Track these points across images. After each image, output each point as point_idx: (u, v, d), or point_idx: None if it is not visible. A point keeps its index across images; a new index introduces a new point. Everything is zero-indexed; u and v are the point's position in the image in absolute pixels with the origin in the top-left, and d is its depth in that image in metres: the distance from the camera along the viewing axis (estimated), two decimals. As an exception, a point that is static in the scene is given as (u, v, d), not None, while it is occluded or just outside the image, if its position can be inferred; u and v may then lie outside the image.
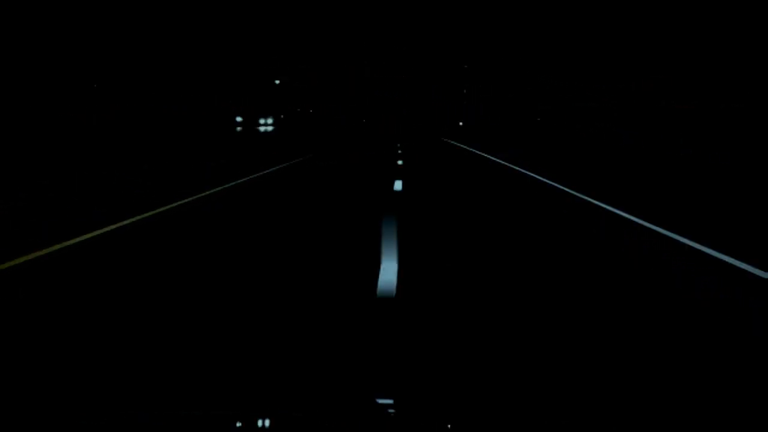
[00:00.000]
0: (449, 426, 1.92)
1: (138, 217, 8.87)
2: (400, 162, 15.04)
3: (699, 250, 6.84)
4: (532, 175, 14.24)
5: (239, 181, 14.22)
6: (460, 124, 73.89)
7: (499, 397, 3.25)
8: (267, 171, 15.80)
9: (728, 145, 24.77)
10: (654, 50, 38.73)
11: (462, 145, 29.36)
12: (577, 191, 11.71)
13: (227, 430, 1.86)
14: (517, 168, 10.28)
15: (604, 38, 43.88)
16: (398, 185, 13.35)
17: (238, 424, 1.90)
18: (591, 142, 33.83)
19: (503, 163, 10.68)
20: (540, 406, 3.20)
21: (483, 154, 21.65)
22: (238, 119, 68.62)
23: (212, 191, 12.43)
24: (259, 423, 1.96)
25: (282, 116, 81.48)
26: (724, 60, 33.12)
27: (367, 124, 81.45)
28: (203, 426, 1.90)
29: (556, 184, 12.68)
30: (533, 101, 57.07)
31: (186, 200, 10.92)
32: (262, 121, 71.07)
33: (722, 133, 28.36)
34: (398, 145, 17.99)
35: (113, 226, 8.10)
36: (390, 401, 3.03)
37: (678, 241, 7.34)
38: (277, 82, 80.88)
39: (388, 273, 5.78)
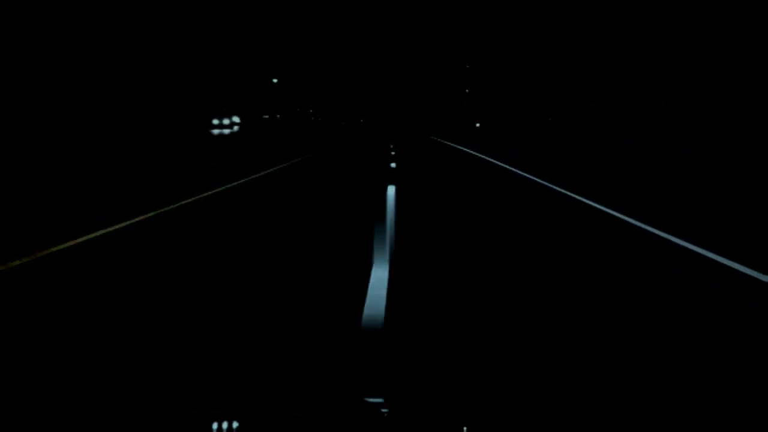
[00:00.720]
0: (444, 424, 1.92)
1: (138, 218, 8.88)
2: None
3: (697, 252, 6.84)
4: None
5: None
6: (477, 125, 67.61)
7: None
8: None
9: (728, 145, 24.77)
10: (654, 50, 38.70)
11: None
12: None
13: (227, 430, 1.86)
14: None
15: (604, 38, 43.86)
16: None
17: (238, 424, 1.90)
18: (593, 142, 33.79)
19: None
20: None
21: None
22: (235, 119, 68.09)
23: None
24: (259, 423, 1.96)
25: (278, 116, 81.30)
26: (724, 60, 33.09)
27: (366, 125, 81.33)
28: (203, 426, 1.90)
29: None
30: (534, 101, 56.93)
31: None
32: (216, 121, 59.65)
33: (722, 133, 28.35)
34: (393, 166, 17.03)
35: (114, 227, 8.11)
36: (385, 408, 3.04)
37: (676, 243, 7.34)
38: (275, 81, 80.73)
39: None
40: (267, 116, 79.09)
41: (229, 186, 13.29)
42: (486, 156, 24.31)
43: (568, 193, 12.05)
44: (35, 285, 5.40)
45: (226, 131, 52.04)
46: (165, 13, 49.09)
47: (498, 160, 21.62)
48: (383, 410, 2.80)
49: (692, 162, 19.90)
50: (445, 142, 40.00)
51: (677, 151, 24.60)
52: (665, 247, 7.10)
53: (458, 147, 32.49)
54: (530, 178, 15.31)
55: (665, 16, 37.15)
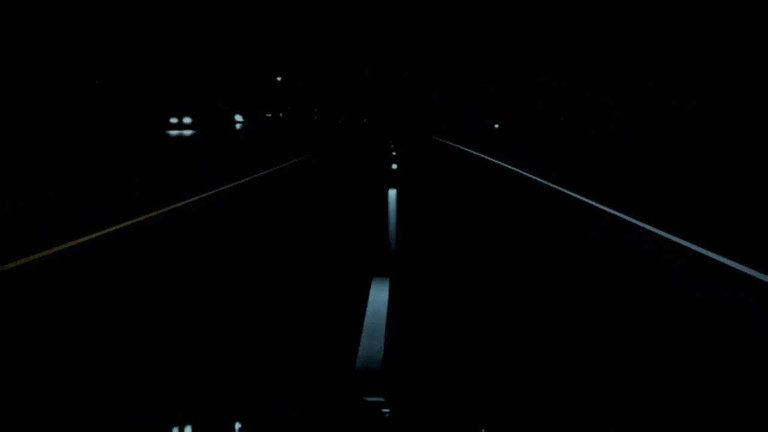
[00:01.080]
0: (443, 425, 1.92)
1: (137, 219, 8.87)
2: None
3: (697, 252, 6.83)
4: None
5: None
6: (496, 126, 64.26)
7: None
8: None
9: (728, 145, 24.76)
10: (654, 50, 38.70)
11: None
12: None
13: (227, 430, 1.86)
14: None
15: (604, 38, 43.86)
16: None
17: (238, 425, 1.90)
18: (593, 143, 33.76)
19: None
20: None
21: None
22: (238, 118, 67.95)
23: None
24: (259, 423, 1.96)
25: (281, 114, 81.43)
26: (724, 60, 33.09)
27: (367, 124, 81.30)
28: (203, 426, 1.90)
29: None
30: (535, 101, 56.88)
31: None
32: (174, 120, 51.73)
33: (722, 133, 28.34)
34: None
35: (114, 228, 8.10)
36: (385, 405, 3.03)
37: (676, 243, 7.33)
38: (279, 79, 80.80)
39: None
40: (270, 114, 79.18)
41: (194, 200, 13.27)
42: (486, 156, 24.29)
43: (570, 193, 12.03)
44: (36, 286, 5.39)
45: (187, 132, 43.90)
46: (172, 14, 49.06)
47: (500, 161, 21.61)
48: (383, 410, 2.80)
49: (692, 162, 19.89)
50: (447, 141, 39.98)
51: (677, 151, 24.59)
52: (665, 247, 7.10)
53: (459, 147, 32.46)
54: (531, 177, 15.30)
55: (665, 16, 37.15)
